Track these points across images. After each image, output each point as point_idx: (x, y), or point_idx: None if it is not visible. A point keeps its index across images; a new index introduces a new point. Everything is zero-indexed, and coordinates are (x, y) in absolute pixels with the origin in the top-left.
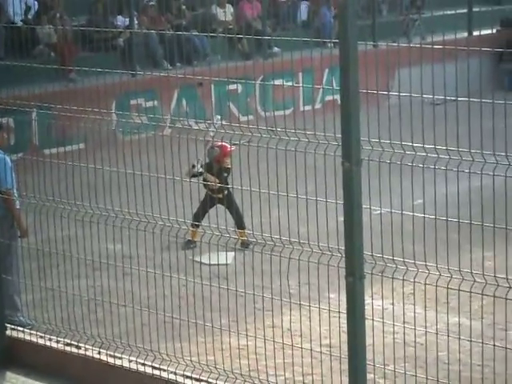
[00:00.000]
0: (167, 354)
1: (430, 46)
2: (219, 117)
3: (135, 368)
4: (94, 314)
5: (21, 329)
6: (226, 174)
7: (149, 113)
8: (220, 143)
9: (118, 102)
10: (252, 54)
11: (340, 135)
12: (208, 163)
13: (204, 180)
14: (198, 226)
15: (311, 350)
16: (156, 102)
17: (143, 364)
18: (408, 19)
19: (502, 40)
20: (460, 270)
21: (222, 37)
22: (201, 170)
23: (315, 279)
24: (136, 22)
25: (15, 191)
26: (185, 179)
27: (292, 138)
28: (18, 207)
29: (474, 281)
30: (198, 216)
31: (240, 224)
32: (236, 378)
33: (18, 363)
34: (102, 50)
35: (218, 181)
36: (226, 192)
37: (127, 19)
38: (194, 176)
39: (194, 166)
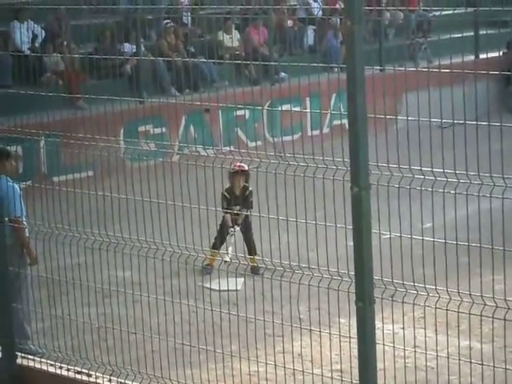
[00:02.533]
0: (178, 381)
1: (437, 70)
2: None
3: None
4: (104, 342)
5: (31, 357)
6: (251, 199)
7: (157, 139)
8: (238, 163)
9: (126, 129)
10: (259, 79)
11: (348, 160)
12: (228, 188)
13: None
14: (216, 253)
15: (322, 375)
16: (164, 129)
17: None
18: (415, 43)
19: (508, 63)
20: (470, 294)
21: (229, 63)
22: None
23: (325, 304)
24: (143, 49)
25: (24, 219)
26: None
27: (300, 164)
28: (27, 235)
29: (485, 304)
30: (217, 242)
31: (252, 249)
32: None
33: None
34: (110, 77)
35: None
36: (244, 216)
37: (134, 46)
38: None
39: (226, 197)
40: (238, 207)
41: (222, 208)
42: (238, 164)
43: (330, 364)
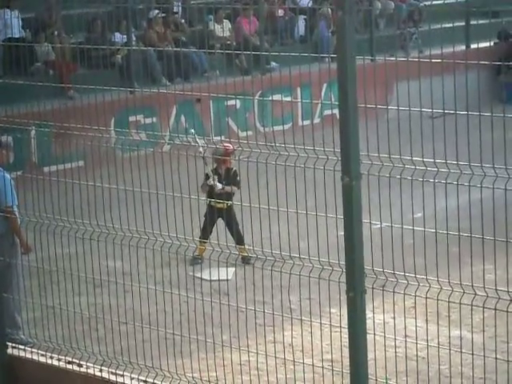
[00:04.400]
0: (169, 371)
1: (428, 60)
2: (193, 131)
3: None
4: (95, 332)
5: (22, 347)
6: (238, 178)
7: (148, 129)
8: (223, 144)
9: (117, 119)
10: (250, 69)
11: (339, 150)
12: (214, 169)
13: (211, 188)
14: (205, 242)
15: (313, 365)
16: (155, 119)
17: (145, 381)
18: (405, 33)
19: (499, 53)
20: (461, 284)
21: (220, 52)
22: (214, 181)
23: (316, 294)
24: (134, 39)
25: (16, 209)
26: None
27: (291, 153)
28: (18, 224)
29: (475, 294)
30: (206, 230)
31: (240, 240)
32: None
33: (19, 381)
34: (101, 67)
35: (235, 189)
36: (229, 204)
37: (125, 36)
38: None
39: (207, 176)
40: (220, 185)
41: (202, 186)
42: (226, 145)
43: (320, 354)
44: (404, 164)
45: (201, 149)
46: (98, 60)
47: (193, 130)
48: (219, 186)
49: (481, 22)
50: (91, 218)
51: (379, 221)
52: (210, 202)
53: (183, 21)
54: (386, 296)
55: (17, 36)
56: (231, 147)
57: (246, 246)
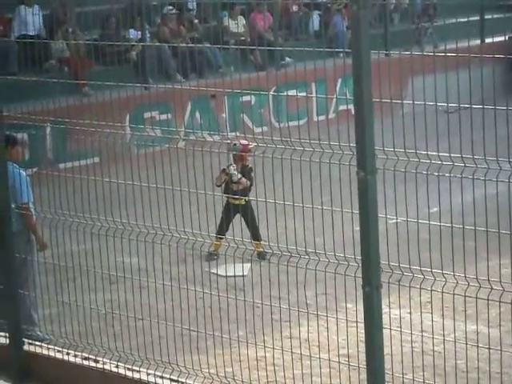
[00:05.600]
0: (185, 367)
1: (442, 54)
2: (232, 167)
3: (153, 381)
4: (112, 328)
5: (38, 343)
6: (252, 175)
7: (163, 126)
8: (242, 141)
9: (132, 116)
10: (265, 65)
11: (354, 145)
12: (230, 165)
13: (228, 184)
14: (221, 238)
15: (329, 360)
16: (170, 115)
17: (161, 377)
18: (420, 27)
19: None
20: (477, 278)
21: (235, 48)
22: (234, 171)
23: (332, 289)
24: (148, 35)
25: (31, 205)
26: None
27: (306, 149)
28: (34, 221)
29: (492, 288)
30: (223, 227)
31: (256, 235)
32: None
33: (36, 378)
34: (115, 64)
35: (248, 183)
36: (246, 199)
37: (139, 32)
38: (223, 182)
39: (224, 170)
40: (239, 175)
41: (217, 178)
42: (243, 142)
43: (337, 349)
44: (419, 159)
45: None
46: (112, 56)
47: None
48: (238, 175)
49: (495, 16)
50: (107, 215)
51: (395, 215)
52: (227, 198)
53: (196, 21)
54: (402, 291)
55: (31, 33)
56: (251, 144)
57: (262, 242)
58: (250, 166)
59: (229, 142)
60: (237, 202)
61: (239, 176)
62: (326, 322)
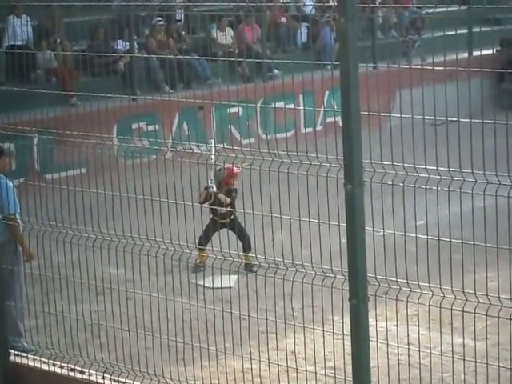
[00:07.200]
0: (171, 378)
1: (430, 67)
2: (213, 141)
3: None
4: (98, 339)
5: (24, 354)
6: (235, 194)
7: (150, 137)
8: (227, 165)
9: (120, 126)
10: (252, 76)
11: (342, 157)
12: (217, 186)
13: (213, 203)
14: (203, 250)
15: (315, 372)
16: (157, 126)
17: None
18: (408, 40)
19: (502, 60)
20: (464, 291)
21: (223, 60)
22: (215, 189)
23: (319, 302)
24: (136, 46)
25: (18, 216)
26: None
27: (294, 161)
28: (21, 232)
29: (478, 302)
30: (201, 243)
31: (247, 247)
32: None
33: None
34: (103, 75)
35: (229, 200)
36: (232, 217)
37: (128, 43)
38: (206, 200)
39: (206, 188)
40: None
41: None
42: (231, 167)
43: (323, 361)
44: (407, 171)
45: (213, 157)
46: (100, 67)
47: (212, 141)
48: (214, 188)
49: (483, 29)
50: (94, 225)
51: (382, 228)
52: (213, 217)
53: (183, 32)
54: (389, 303)
55: (19, 43)
56: (236, 169)
57: (250, 254)
58: (235, 188)
59: (218, 168)
60: (222, 221)
61: (214, 190)
62: (312, 335)
